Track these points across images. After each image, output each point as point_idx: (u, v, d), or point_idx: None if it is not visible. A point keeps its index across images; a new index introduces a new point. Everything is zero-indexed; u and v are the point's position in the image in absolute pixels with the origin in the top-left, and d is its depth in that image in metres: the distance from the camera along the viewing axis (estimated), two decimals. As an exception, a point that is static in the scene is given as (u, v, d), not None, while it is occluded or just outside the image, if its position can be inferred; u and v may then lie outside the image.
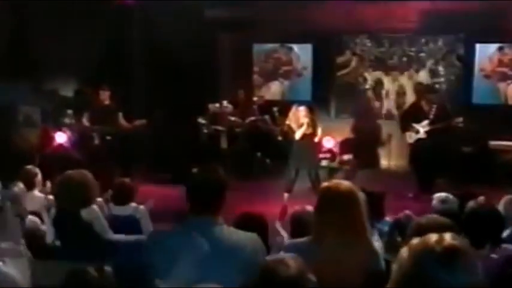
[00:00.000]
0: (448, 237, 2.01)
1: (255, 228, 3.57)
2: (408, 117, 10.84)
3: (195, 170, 3.35)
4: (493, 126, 11.65)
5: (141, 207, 5.87)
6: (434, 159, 10.31)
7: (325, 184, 3.49)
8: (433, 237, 2.02)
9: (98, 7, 11.51)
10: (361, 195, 3.45)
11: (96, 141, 10.40)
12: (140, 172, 11.15)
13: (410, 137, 10.63)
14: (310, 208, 4.15)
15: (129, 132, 10.57)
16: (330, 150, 12.34)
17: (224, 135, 12.98)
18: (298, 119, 9.20)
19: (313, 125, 9.30)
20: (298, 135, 9.17)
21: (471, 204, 4.80)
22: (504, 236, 4.37)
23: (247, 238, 3.25)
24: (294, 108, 9.39)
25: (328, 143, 12.30)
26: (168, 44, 12.08)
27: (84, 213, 4.86)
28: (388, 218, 5.49)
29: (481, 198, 5.12)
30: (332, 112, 13.81)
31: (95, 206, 5.01)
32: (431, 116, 10.37)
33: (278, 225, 5.28)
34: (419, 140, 10.48)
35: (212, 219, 3.23)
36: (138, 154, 11.67)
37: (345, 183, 3.42)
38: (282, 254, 2.95)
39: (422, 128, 10.41)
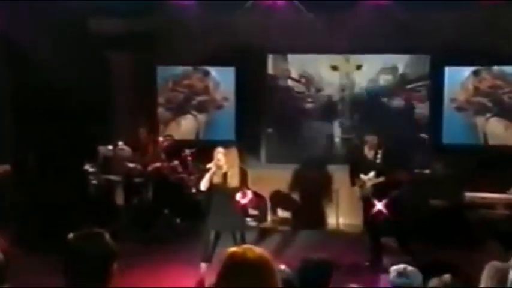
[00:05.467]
0: None
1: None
2: (354, 166, 10.83)
3: (70, 235, 3.27)
4: (470, 173, 11.82)
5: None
6: (394, 217, 10.37)
7: (230, 250, 3.44)
8: None
9: None
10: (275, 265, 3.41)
11: None
12: (2, 239, 10.85)
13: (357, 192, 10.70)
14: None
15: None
16: (259, 206, 12.33)
17: (120, 186, 12.83)
18: (225, 164, 9.14)
19: (242, 173, 9.29)
20: (218, 183, 9.15)
21: (434, 283, 4.83)
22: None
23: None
24: (218, 151, 9.26)
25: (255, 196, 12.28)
26: (40, 67, 11.89)
27: None
28: None
29: (446, 277, 5.14)
30: (263, 156, 13.90)
31: None
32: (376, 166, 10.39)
33: None
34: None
35: (96, 301, 3.14)
36: (-1, 213, 11.38)
37: (256, 250, 3.38)
38: None
39: (369, 181, 10.43)
